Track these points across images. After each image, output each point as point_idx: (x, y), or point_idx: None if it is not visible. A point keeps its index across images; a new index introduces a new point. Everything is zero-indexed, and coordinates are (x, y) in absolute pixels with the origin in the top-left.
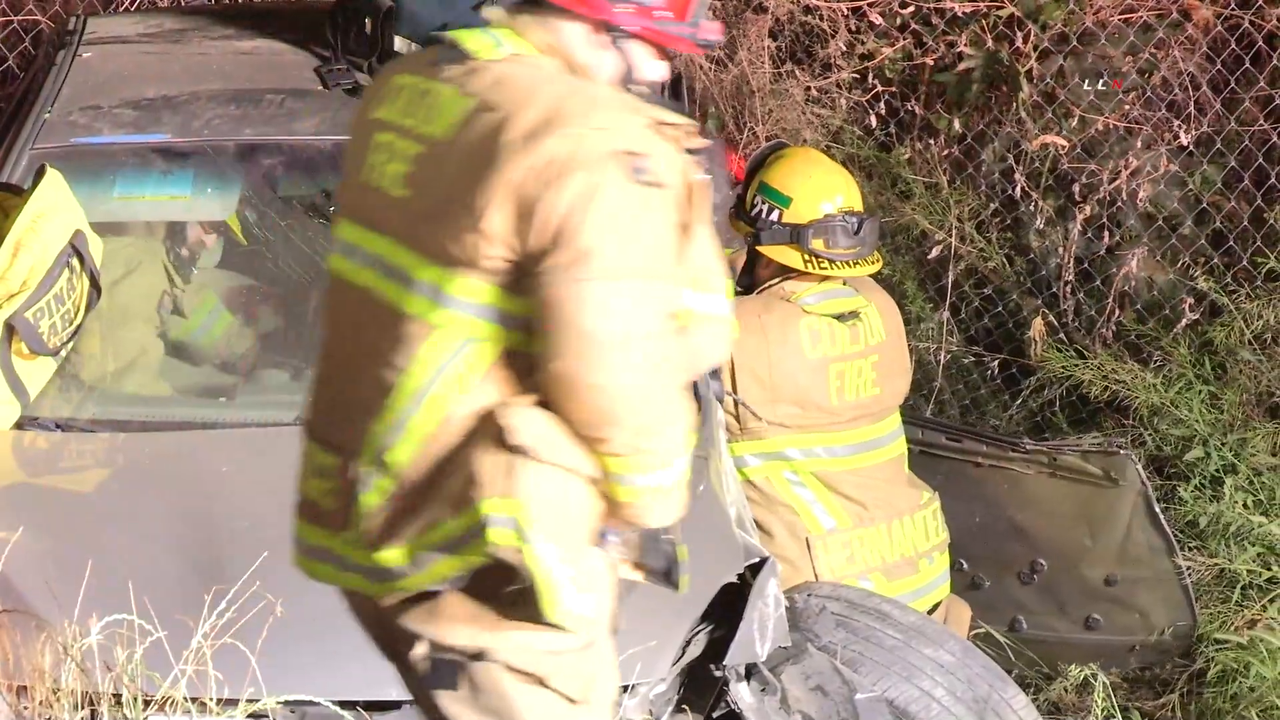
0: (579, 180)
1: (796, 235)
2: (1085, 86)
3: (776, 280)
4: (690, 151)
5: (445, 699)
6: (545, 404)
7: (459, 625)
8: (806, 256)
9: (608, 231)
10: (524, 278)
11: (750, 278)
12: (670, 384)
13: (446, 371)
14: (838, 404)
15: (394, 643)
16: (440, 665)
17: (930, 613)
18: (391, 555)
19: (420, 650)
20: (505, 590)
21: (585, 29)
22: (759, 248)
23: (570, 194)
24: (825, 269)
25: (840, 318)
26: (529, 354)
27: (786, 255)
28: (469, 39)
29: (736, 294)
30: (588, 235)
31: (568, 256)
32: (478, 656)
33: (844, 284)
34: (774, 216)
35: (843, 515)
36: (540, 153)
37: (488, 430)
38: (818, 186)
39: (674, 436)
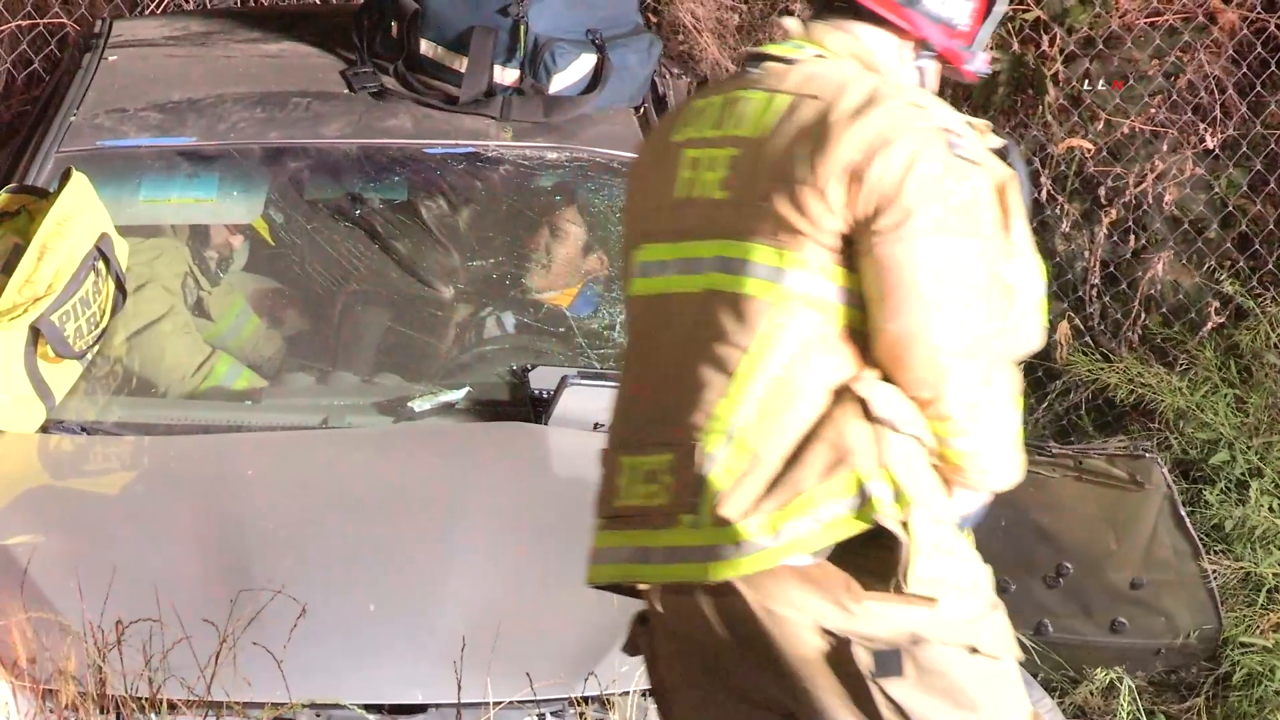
0: (903, 146)
1: None
2: (1101, 87)
3: None
4: (992, 150)
5: (894, 687)
6: (885, 378)
7: (875, 613)
8: None
9: (933, 191)
10: (857, 247)
11: None
12: (999, 342)
13: (792, 347)
14: None
15: (730, 633)
16: (882, 655)
17: None
18: (747, 529)
19: (823, 644)
20: (861, 560)
21: (892, 40)
22: None
23: (896, 160)
24: None
25: None
26: (864, 330)
27: None
28: (771, 48)
29: None
30: (913, 195)
31: (895, 217)
32: (914, 640)
33: None
34: None
35: None
36: (866, 125)
37: (846, 402)
38: None
39: (1005, 394)
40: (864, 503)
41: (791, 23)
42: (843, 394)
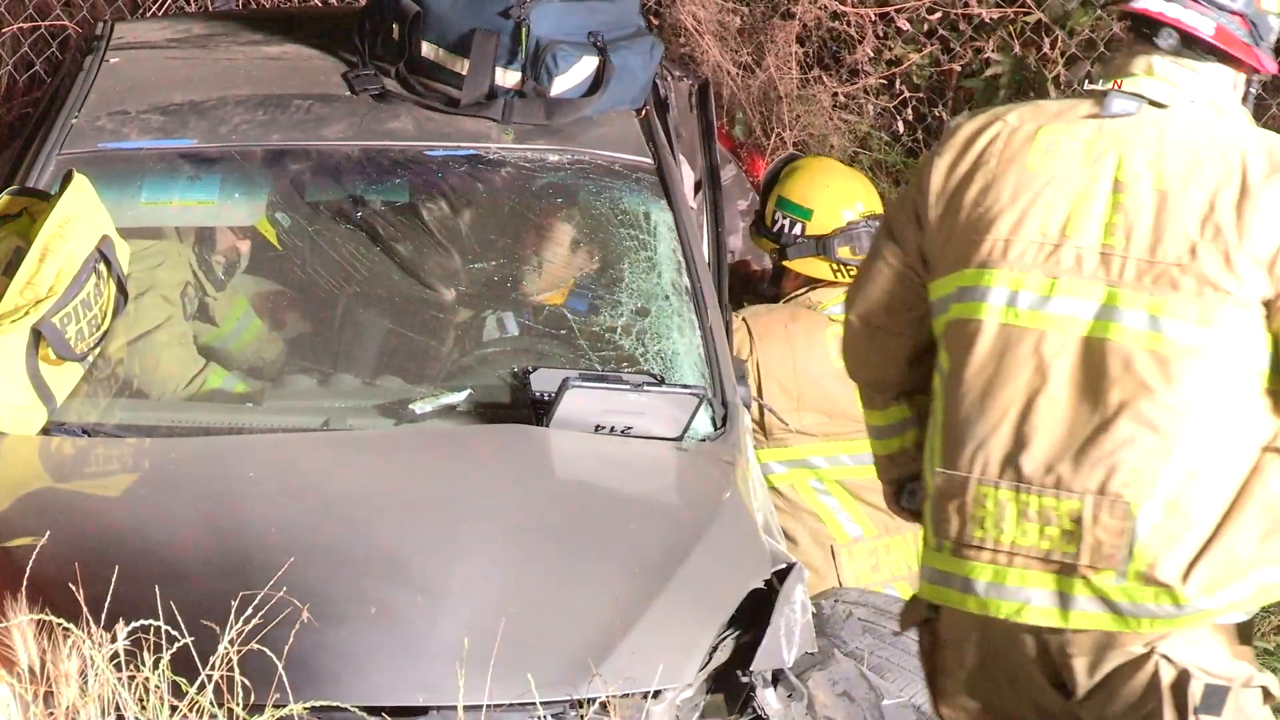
0: None
1: (822, 247)
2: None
3: (803, 291)
4: None
5: None
6: None
7: (1218, 648)
8: (835, 266)
9: None
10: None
11: (776, 289)
12: None
13: (1219, 407)
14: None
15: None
16: (1212, 691)
17: None
18: (1186, 592)
19: (1161, 671)
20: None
21: (1230, 75)
22: (785, 262)
23: None
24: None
25: None
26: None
27: (814, 267)
28: (1134, 85)
29: (762, 303)
30: None
31: None
32: (1247, 683)
33: None
34: (797, 230)
35: (868, 524)
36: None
37: (1275, 462)
38: (837, 195)
39: None
40: None
41: (1158, 61)
42: (1270, 453)
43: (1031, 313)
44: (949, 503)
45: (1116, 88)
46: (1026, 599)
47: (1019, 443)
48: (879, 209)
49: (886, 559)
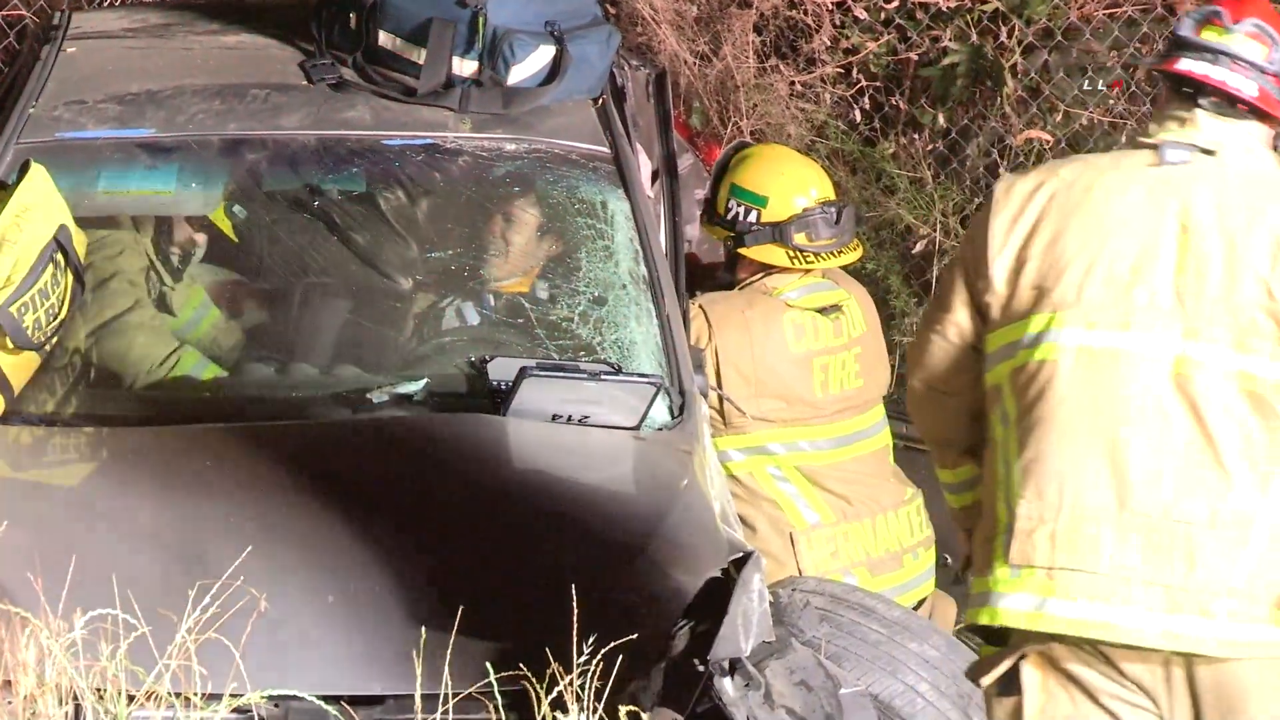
0: None
1: (778, 233)
2: (1086, 85)
3: (758, 277)
4: None
5: None
6: None
7: None
8: (791, 253)
9: None
10: None
11: (731, 275)
12: None
13: None
14: (822, 397)
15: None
16: None
17: (916, 608)
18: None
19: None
20: None
21: (1264, 130)
22: (742, 250)
23: None
24: (810, 262)
25: (823, 311)
26: None
27: (770, 254)
28: (1185, 137)
29: (717, 290)
30: None
31: None
32: None
33: (823, 277)
34: (752, 218)
35: (826, 510)
36: None
37: None
38: (791, 182)
39: None
40: None
41: (1202, 116)
42: None
43: (1109, 350)
44: (1036, 532)
45: (1166, 142)
46: (1136, 624)
47: (1116, 474)
48: (832, 195)
49: (845, 545)
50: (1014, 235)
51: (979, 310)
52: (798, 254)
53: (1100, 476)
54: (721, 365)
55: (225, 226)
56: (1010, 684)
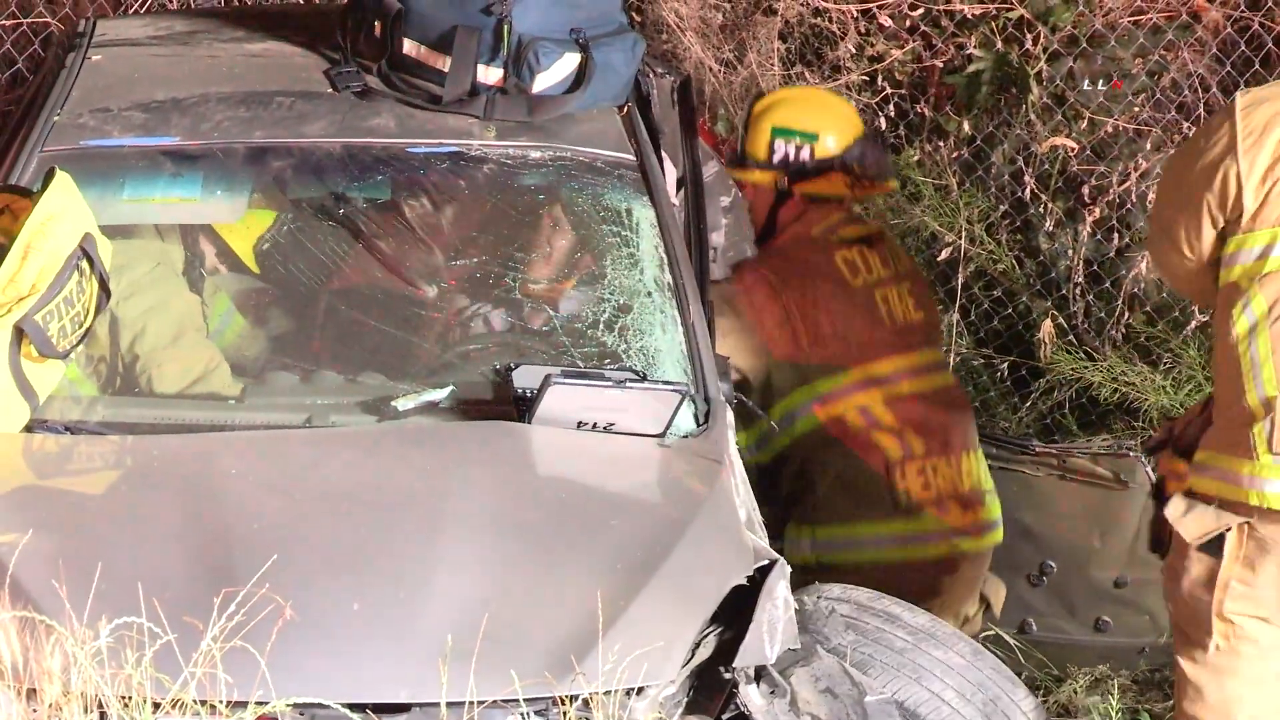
0: None
1: (836, 164)
2: (1087, 87)
3: (795, 220)
4: None
5: None
6: None
7: None
8: (850, 180)
9: None
10: None
11: (771, 223)
12: None
13: None
14: (890, 326)
15: None
16: None
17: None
18: None
19: None
20: None
21: None
22: (800, 186)
23: None
24: (868, 189)
25: (868, 241)
26: None
27: (833, 184)
28: None
29: (759, 245)
30: None
31: None
32: None
33: (853, 212)
34: (805, 154)
35: (916, 442)
36: None
37: None
38: (837, 116)
39: None
40: None
41: None
42: None
43: None
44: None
45: None
46: None
47: None
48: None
49: (935, 479)
50: (1260, 150)
51: (1230, 208)
52: (856, 181)
53: None
54: (797, 317)
55: (250, 262)
56: (1214, 546)
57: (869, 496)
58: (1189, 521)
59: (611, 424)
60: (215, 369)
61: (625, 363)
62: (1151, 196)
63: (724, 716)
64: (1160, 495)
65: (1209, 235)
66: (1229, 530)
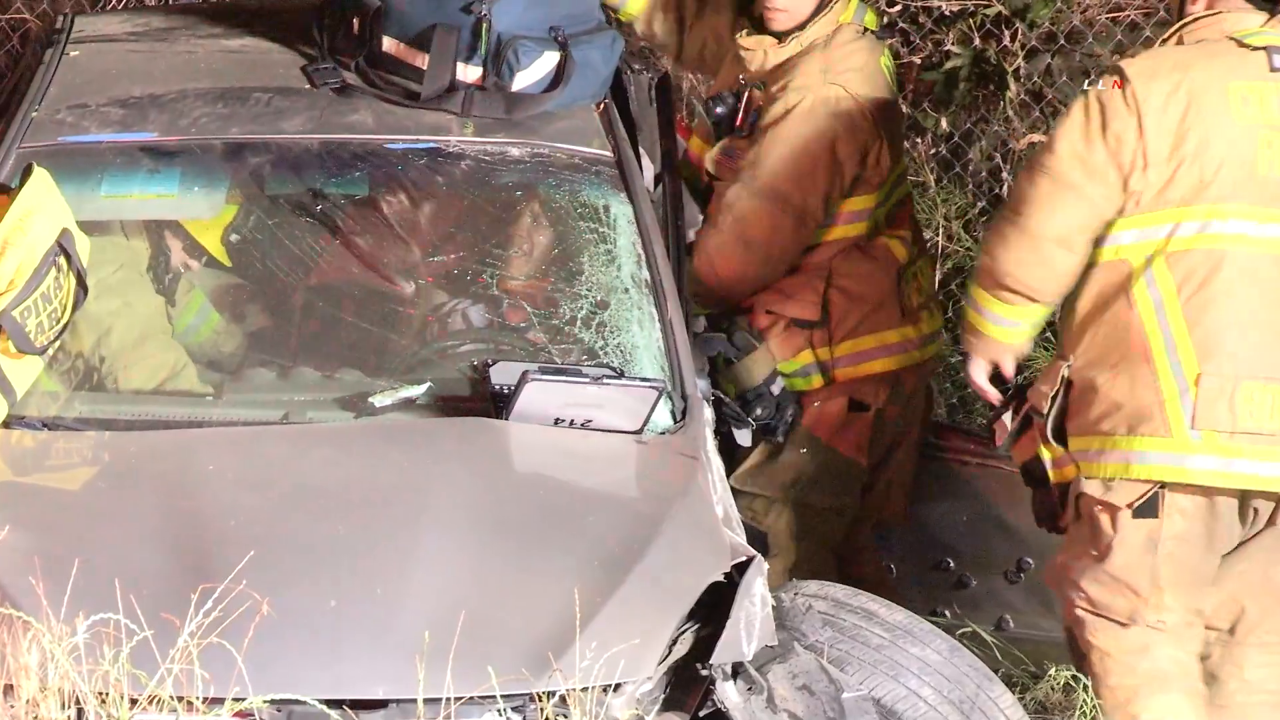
0: None
1: None
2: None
3: None
4: None
5: None
6: None
7: None
8: None
9: None
10: None
11: None
12: None
13: None
14: None
15: None
16: None
17: None
18: None
19: None
20: None
21: None
22: None
23: None
24: None
25: None
26: None
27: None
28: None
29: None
30: None
31: None
32: None
33: None
34: None
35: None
36: None
37: None
38: None
39: None
40: None
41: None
42: None
43: (1267, 240)
44: (1219, 400)
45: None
46: None
47: (1244, 337)
48: None
49: (924, 283)
50: (1166, 123)
51: (1126, 188)
52: None
53: (1273, 354)
54: None
55: (221, 254)
56: (1149, 507)
57: (883, 306)
58: (1118, 489)
59: (589, 421)
60: (182, 371)
61: (602, 359)
62: None
63: (701, 713)
64: (1035, 477)
65: (1106, 217)
66: (1162, 488)
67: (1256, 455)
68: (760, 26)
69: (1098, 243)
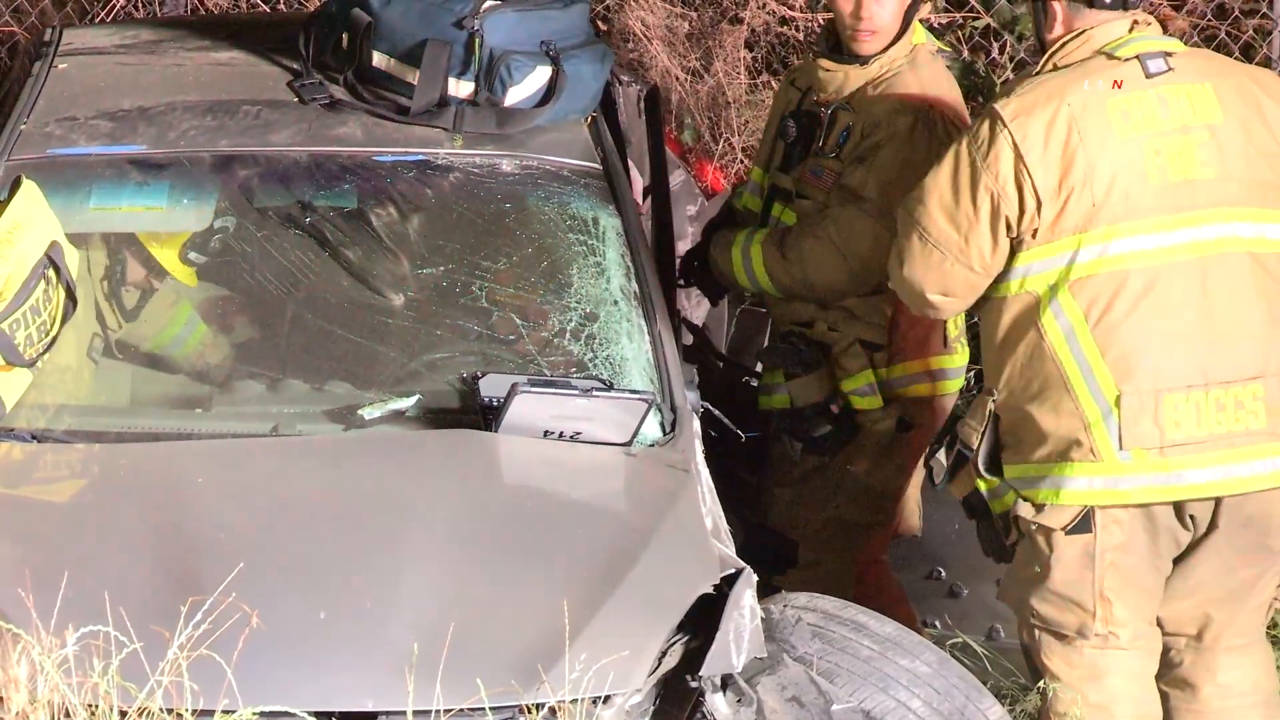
0: None
1: None
2: None
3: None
4: None
5: None
6: None
7: None
8: None
9: None
10: None
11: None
12: None
13: None
14: None
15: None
16: None
17: None
18: None
19: None
20: None
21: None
22: None
23: None
24: None
25: None
26: None
27: None
28: (1155, 45)
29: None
30: None
31: None
32: None
33: None
34: None
35: None
36: None
37: None
38: None
39: None
40: None
41: (1128, 23)
42: None
43: (1168, 249)
44: (1142, 418)
45: (1138, 55)
46: (1233, 474)
47: (1208, 350)
48: None
49: (959, 319)
50: (1050, 158)
51: (1006, 234)
52: None
53: (1189, 359)
54: None
55: (181, 274)
56: (1084, 524)
57: (933, 333)
58: (1050, 512)
59: (578, 433)
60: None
61: (592, 371)
62: None
63: None
64: (976, 510)
65: (1005, 249)
66: (1093, 507)
67: (1188, 465)
68: (836, 50)
69: (1004, 276)
